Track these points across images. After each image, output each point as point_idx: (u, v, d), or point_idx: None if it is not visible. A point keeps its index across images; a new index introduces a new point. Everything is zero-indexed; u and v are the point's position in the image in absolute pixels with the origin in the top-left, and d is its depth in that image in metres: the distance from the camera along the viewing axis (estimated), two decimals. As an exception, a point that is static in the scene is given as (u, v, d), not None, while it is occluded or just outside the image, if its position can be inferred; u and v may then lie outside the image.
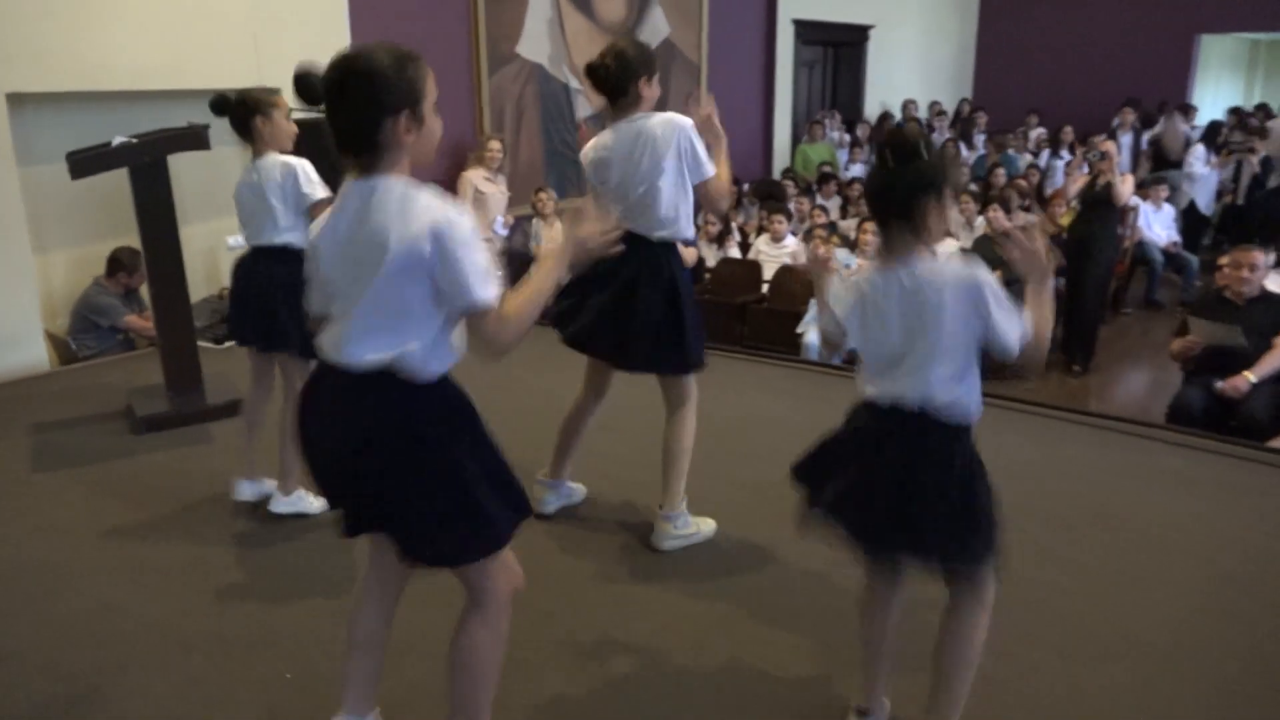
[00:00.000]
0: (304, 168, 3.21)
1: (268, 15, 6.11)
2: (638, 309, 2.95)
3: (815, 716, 2.38)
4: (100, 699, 2.46)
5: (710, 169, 2.95)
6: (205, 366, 4.58)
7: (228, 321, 3.51)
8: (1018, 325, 1.94)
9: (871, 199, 2.08)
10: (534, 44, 8.11)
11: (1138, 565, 3.13)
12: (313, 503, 3.40)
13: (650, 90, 2.95)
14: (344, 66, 1.76)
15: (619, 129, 2.97)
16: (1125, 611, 2.85)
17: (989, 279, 1.93)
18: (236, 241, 6.71)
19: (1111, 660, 2.61)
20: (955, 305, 1.91)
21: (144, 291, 5.83)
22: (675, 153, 2.90)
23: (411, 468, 1.79)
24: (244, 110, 3.17)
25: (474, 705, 1.96)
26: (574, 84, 8.48)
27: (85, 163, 3.88)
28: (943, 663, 2.11)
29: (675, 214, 2.97)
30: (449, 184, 7.45)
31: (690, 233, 3.11)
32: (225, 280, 6.28)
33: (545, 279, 1.91)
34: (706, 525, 3.26)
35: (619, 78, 2.90)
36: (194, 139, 4.07)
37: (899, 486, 1.96)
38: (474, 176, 7.21)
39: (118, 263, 5.62)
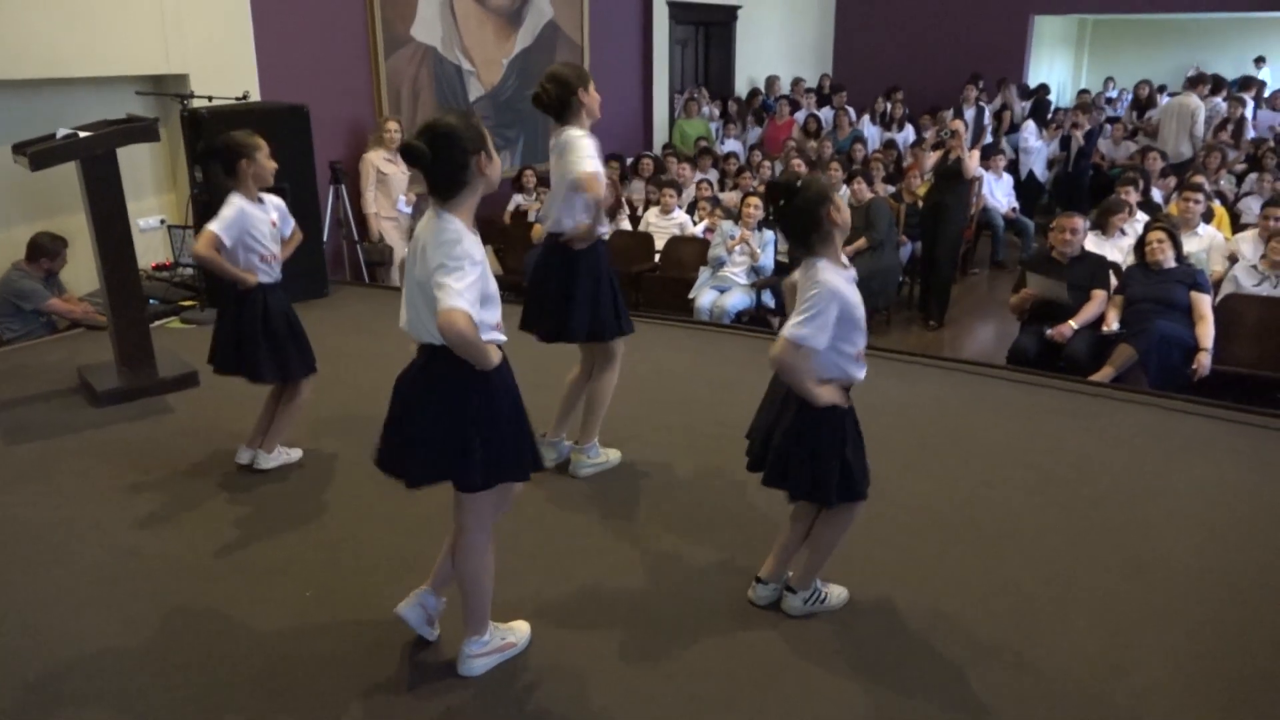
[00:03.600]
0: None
1: (174, 3, 6.31)
2: (577, 294, 3.57)
3: (727, 584, 3.02)
4: (144, 624, 2.88)
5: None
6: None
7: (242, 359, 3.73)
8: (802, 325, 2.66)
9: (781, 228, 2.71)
10: (427, 27, 8.44)
11: (981, 471, 3.90)
12: (292, 454, 3.92)
13: (589, 97, 3.48)
14: (431, 133, 2.31)
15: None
16: (971, 505, 3.61)
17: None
18: (148, 224, 6.92)
19: (958, 540, 3.36)
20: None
21: (64, 275, 6.02)
22: None
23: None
24: (228, 154, 3.58)
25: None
26: (466, 66, 8.85)
27: (43, 155, 4.13)
28: (818, 540, 2.86)
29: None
30: (351, 166, 7.76)
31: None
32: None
33: None
34: (613, 454, 3.94)
35: (559, 96, 3.42)
36: (145, 132, 4.37)
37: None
38: (375, 158, 7.51)
39: (39, 247, 5.76)
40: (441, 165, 2.33)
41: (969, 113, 11.30)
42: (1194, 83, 11.05)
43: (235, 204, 3.56)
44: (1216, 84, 11.20)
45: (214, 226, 3.49)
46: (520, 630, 2.78)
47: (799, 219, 2.59)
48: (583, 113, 3.48)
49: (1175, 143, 10.40)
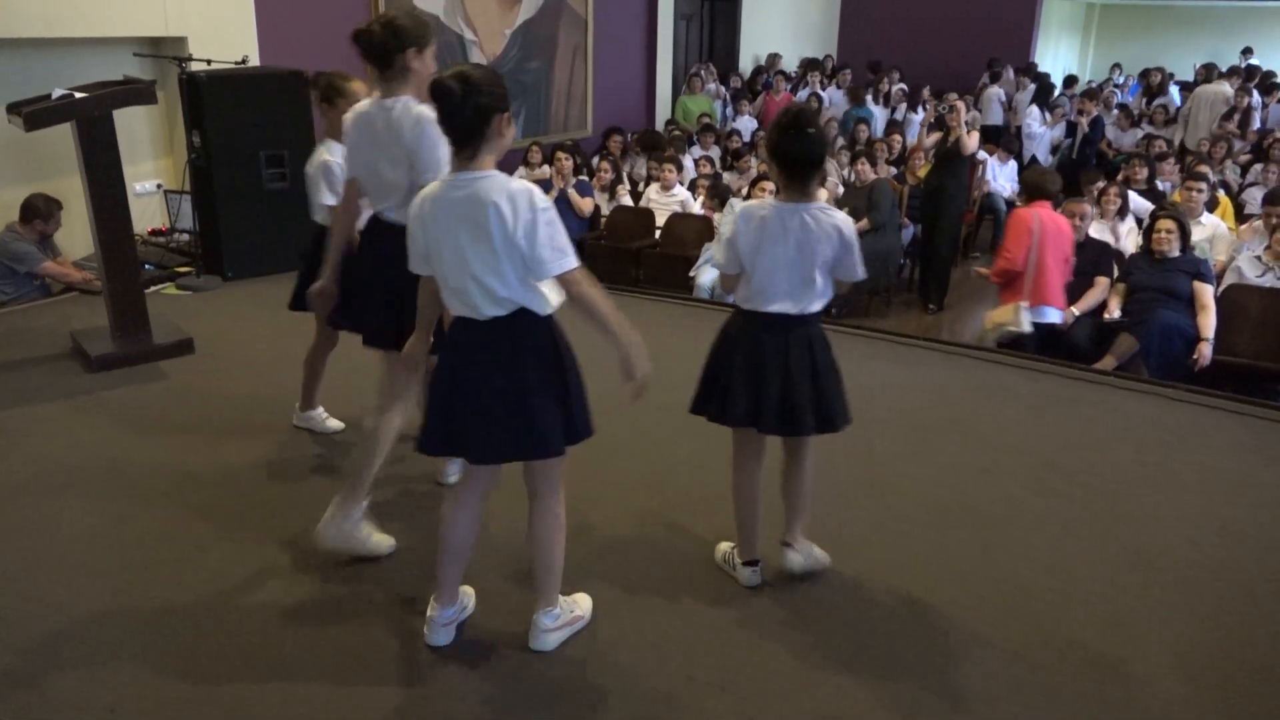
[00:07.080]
0: None
1: (174, -35, 6.22)
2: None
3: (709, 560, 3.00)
4: (135, 591, 2.86)
5: None
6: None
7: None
8: (861, 263, 2.74)
9: (791, 157, 2.65)
10: (430, -5, 8.34)
11: (979, 458, 3.88)
12: (326, 423, 3.95)
13: (421, 64, 2.90)
14: (463, 78, 2.24)
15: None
16: (967, 489, 3.59)
17: (852, 228, 2.70)
18: (144, 188, 6.86)
19: (956, 527, 3.34)
20: (832, 240, 2.66)
21: (58, 239, 5.96)
22: None
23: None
24: (321, 95, 3.59)
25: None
26: (468, 35, 8.76)
27: (39, 115, 4.07)
28: (796, 498, 2.91)
29: None
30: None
31: None
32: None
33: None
34: None
35: (383, 45, 2.85)
36: (142, 94, 4.30)
37: (799, 374, 2.69)
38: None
39: (33, 209, 5.70)
40: (466, 113, 2.26)
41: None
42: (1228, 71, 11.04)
43: (324, 158, 3.55)
44: (1250, 74, 11.20)
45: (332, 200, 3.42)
46: (584, 603, 2.77)
47: (818, 152, 2.63)
48: (410, 79, 2.88)
49: (1207, 130, 10.32)
